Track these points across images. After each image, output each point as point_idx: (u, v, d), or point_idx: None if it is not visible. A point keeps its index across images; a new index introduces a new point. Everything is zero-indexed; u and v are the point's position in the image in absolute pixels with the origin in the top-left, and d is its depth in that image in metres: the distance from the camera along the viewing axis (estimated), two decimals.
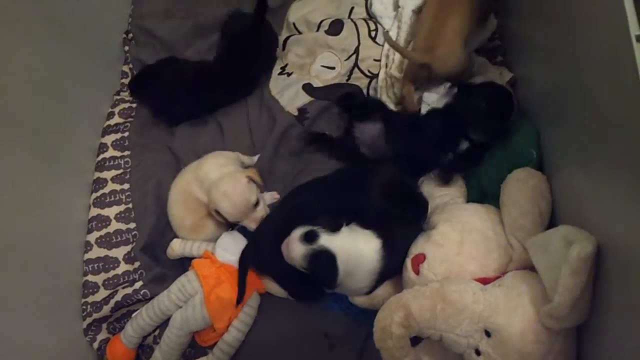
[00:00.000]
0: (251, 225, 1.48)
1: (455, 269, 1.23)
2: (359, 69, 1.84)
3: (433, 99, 1.65)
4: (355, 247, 1.30)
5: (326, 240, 1.27)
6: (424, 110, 1.66)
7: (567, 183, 1.25)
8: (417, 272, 1.28)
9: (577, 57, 1.16)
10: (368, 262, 1.31)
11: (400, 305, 1.14)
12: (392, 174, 1.38)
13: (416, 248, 1.32)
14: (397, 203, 1.32)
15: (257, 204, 1.48)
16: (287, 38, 1.98)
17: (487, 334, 1.09)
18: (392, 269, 1.35)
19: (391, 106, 1.73)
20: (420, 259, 1.28)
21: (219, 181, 1.47)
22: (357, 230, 1.34)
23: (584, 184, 1.15)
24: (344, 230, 1.32)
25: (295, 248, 1.28)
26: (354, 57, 1.85)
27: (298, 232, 1.30)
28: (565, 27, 1.21)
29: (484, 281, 1.19)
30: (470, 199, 1.48)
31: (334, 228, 1.30)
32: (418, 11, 1.78)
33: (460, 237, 1.26)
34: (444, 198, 1.47)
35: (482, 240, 1.25)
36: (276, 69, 1.93)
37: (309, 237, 1.27)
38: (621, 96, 0.95)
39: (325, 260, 1.26)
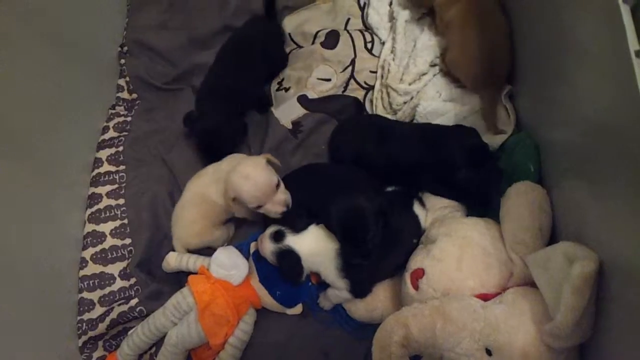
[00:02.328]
0: (275, 209, 1.42)
1: (455, 285, 1.21)
2: (355, 80, 1.83)
3: (429, 108, 1.64)
4: (317, 246, 1.38)
5: (291, 240, 1.39)
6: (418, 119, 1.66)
7: (568, 197, 1.23)
8: (416, 288, 1.26)
9: (576, 70, 1.15)
10: (328, 259, 1.37)
11: (400, 324, 1.13)
12: (354, 208, 1.32)
13: (415, 263, 1.30)
14: (348, 239, 1.32)
15: (278, 185, 1.43)
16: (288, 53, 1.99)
17: (488, 352, 1.07)
18: (367, 269, 1.37)
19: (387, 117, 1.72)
20: (419, 274, 1.27)
21: (238, 166, 1.43)
22: (324, 228, 1.40)
23: (584, 197, 1.14)
24: (311, 228, 1.40)
25: (266, 245, 1.40)
26: (349, 69, 1.84)
27: (269, 230, 1.41)
28: (564, 41, 1.20)
29: (485, 297, 1.17)
30: (470, 212, 1.46)
31: (300, 228, 1.40)
32: (411, 22, 1.80)
33: (460, 252, 1.25)
34: (444, 211, 1.45)
35: (482, 255, 1.24)
36: (274, 85, 1.93)
37: (277, 236, 1.39)
38: (621, 111, 0.94)
39: (290, 259, 1.38)
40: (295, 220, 1.42)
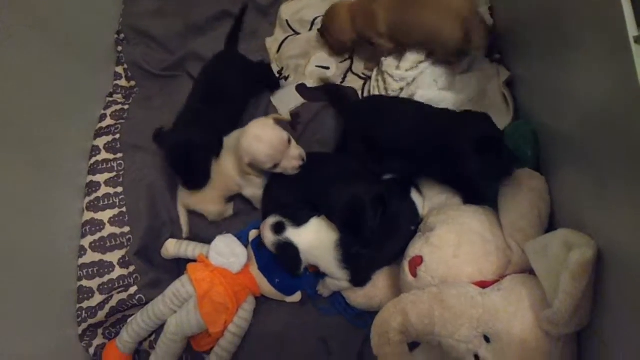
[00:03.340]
0: (292, 164, 1.43)
1: (453, 272, 1.22)
2: (353, 73, 1.85)
3: (426, 97, 1.63)
4: (317, 239, 1.38)
5: (291, 233, 1.39)
6: None
7: (566, 184, 1.23)
8: (414, 275, 1.27)
9: (575, 57, 1.15)
10: (328, 251, 1.37)
11: (398, 311, 1.13)
12: (354, 197, 1.31)
13: (413, 250, 1.30)
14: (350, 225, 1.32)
15: (289, 141, 1.44)
16: (284, 40, 1.97)
17: (487, 339, 1.08)
18: (366, 257, 1.38)
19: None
20: (417, 261, 1.27)
21: (246, 129, 1.44)
22: (325, 220, 1.40)
23: (583, 185, 1.14)
24: (312, 221, 1.40)
25: (266, 235, 1.41)
26: (348, 61, 1.87)
27: (271, 220, 1.42)
28: (564, 27, 1.19)
29: (483, 285, 1.18)
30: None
31: (301, 221, 1.40)
32: None
33: (458, 239, 1.25)
34: (441, 198, 1.45)
35: (481, 242, 1.24)
36: None
37: (278, 228, 1.39)
38: (619, 97, 0.94)
39: (288, 252, 1.38)
40: (297, 212, 1.42)
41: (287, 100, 1.82)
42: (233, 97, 1.71)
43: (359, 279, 1.41)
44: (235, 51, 1.87)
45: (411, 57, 1.69)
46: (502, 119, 1.55)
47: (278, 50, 1.97)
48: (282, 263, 1.42)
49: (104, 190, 1.74)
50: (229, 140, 1.57)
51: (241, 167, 1.47)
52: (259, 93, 1.84)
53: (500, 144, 1.28)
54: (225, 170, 1.55)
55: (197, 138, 1.52)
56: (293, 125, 1.75)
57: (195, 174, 1.56)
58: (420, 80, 1.68)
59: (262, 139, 1.40)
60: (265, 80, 1.85)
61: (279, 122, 1.48)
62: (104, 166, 1.79)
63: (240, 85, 1.72)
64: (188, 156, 1.51)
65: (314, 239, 1.38)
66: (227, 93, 1.68)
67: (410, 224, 1.42)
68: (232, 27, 1.93)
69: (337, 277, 1.40)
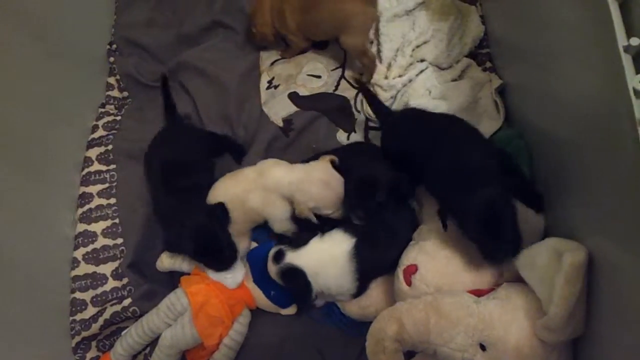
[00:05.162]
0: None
1: (448, 280, 1.22)
2: (346, 80, 1.85)
3: (421, 106, 1.63)
4: (325, 255, 1.34)
5: (291, 257, 1.34)
6: None
7: (556, 193, 1.25)
8: (409, 284, 1.26)
9: (566, 66, 1.16)
10: (340, 265, 1.33)
11: (394, 319, 1.13)
12: (371, 172, 1.35)
13: (408, 259, 1.30)
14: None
15: None
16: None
17: (482, 347, 1.08)
18: (374, 264, 1.37)
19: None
20: (412, 270, 1.27)
21: (309, 174, 1.39)
22: (329, 235, 1.37)
23: (573, 193, 1.15)
24: (313, 241, 1.36)
25: (270, 268, 1.38)
26: (340, 69, 1.87)
27: (271, 252, 1.38)
28: (554, 36, 1.21)
29: (478, 293, 1.18)
30: None
31: (300, 243, 1.36)
32: (393, 19, 1.82)
33: (453, 247, 1.25)
34: (436, 206, 1.45)
35: (475, 251, 1.24)
36: (263, 84, 1.91)
37: (277, 257, 1.36)
38: (610, 106, 0.94)
39: (294, 277, 1.33)
40: (295, 236, 1.41)
41: (278, 106, 1.82)
42: (198, 168, 1.60)
43: (363, 289, 1.39)
44: (180, 123, 1.79)
45: (403, 62, 1.70)
46: (492, 126, 1.57)
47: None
48: (291, 292, 1.40)
49: (96, 201, 1.73)
50: (259, 177, 1.48)
51: (301, 210, 1.40)
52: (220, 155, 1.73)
53: (512, 225, 1.14)
54: (249, 203, 1.46)
55: (208, 222, 1.41)
56: (285, 131, 1.75)
57: (227, 252, 1.44)
58: (412, 90, 1.69)
59: (331, 186, 1.37)
60: (229, 150, 1.75)
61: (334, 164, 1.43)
62: (97, 177, 1.78)
63: (201, 154, 1.64)
64: (213, 240, 1.41)
65: (325, 255, 1.34)
66: (191, 168, 1.58)
67: (410, 232, 1.41)
68: (164, 98, 1.84)
69: (344, 292, 1.37)
